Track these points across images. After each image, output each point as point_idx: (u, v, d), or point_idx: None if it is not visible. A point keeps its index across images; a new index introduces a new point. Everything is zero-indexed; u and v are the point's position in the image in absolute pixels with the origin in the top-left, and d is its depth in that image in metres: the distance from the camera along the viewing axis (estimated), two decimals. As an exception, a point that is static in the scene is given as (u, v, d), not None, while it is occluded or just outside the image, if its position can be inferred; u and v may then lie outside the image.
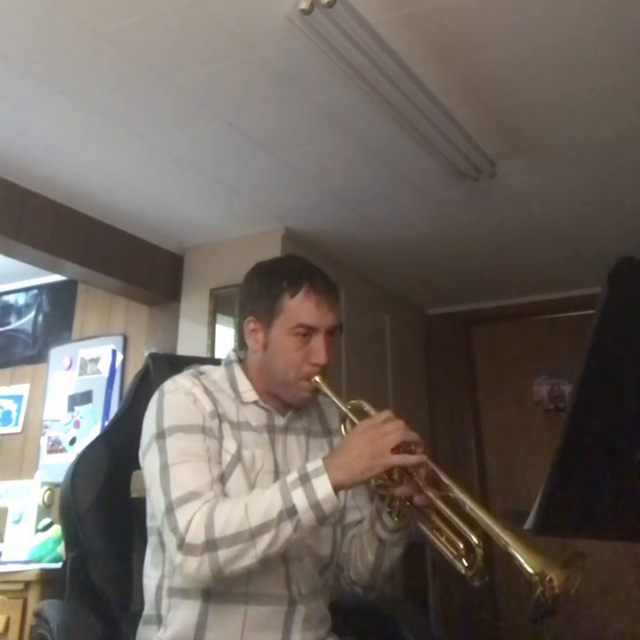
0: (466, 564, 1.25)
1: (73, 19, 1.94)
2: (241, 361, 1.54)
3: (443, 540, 1.31)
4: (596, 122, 2.45)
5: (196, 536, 1.23)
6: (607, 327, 0.76)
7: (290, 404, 1.50)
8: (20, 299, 4.04)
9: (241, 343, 1.54)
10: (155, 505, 1.34)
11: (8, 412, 3.82)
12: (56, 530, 2.78)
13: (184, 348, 3.31)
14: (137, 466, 1.46)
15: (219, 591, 1.34)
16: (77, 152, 2.63)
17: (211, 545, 1.22)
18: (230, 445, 1.39)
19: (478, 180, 2.75)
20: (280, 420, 1.49)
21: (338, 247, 3.48)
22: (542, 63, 2.13)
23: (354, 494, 1.56)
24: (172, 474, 1.31)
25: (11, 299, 4.07)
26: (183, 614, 1.34)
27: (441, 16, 1.94)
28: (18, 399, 3.84)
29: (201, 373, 1.48)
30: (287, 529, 1.23)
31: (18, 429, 3.78)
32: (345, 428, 1.45)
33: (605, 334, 0.76)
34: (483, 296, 4.22)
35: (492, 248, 3.55)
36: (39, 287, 3.97)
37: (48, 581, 2.49)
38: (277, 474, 1.42)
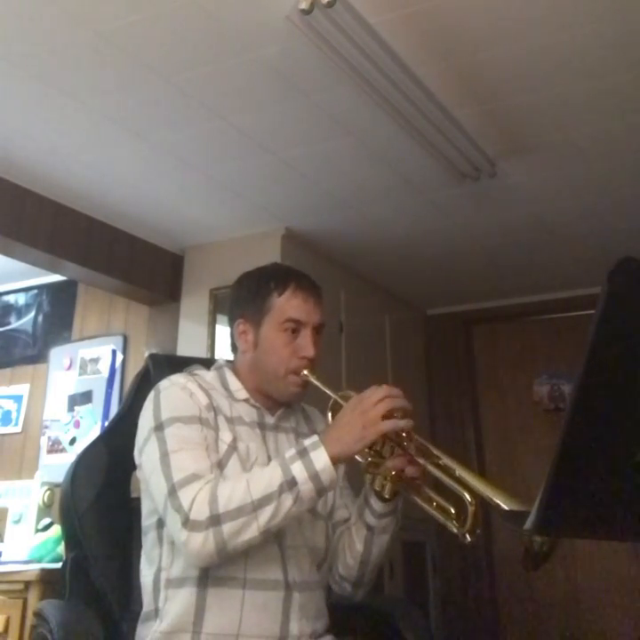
0: (457, 525, 1.33)
1: (73, 19, 1.94)
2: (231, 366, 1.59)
3: (434, 506, 1.38)
4: (595, 122, 2.45)
5: (201, 512, 1.26)
6: (607, 327, 0.75)
7: (280, 403, 1.55)
8: (20, 299, 4.04)
9: (232, 347, 1.59)
10: (156, 492, 1.36)
11: (8, 412, 3.82)
12: (56, 530, 2.78)
13: (184, 349, 3.31)
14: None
15: (216, 577, 1.36)
16: (77, 152, 2.63)
17: (215, 520, 1.26)
18: (226, 436, 1.44)
19: (478, 180, 2.75)
20: (270, 419, 1.54)
21: (338, 247, 3.48)
22: (542, 63, 2.13)
23: (341, 494, 1.60)
24: (172, 460, 1.34)
25: (11, 299, 4.07)
26: (181, 602, 1.36)
27: (441, 16, 1.94)
28: (18, 399, 3.84)
29: (194, 374, 1.53)
30: (288, 501, 1.27)
31: (18, 429, 3.78)
32: (333, 417, 1.50)
33: (605, 334, 0.76)
34: (483, 296, 4.22)
35: (492, 248, 3.55)
36: (39, 287, 3.97)
37: (48, 581, 2.49)
38: None
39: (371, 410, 1.32)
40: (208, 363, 1.65)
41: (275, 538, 1.38)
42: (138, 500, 1.53)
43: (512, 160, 2.69)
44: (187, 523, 1.26)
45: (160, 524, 1.41)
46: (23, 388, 3.85)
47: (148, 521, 1.47)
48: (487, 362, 4.30)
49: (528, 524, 0.81)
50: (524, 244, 3.49)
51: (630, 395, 0.80)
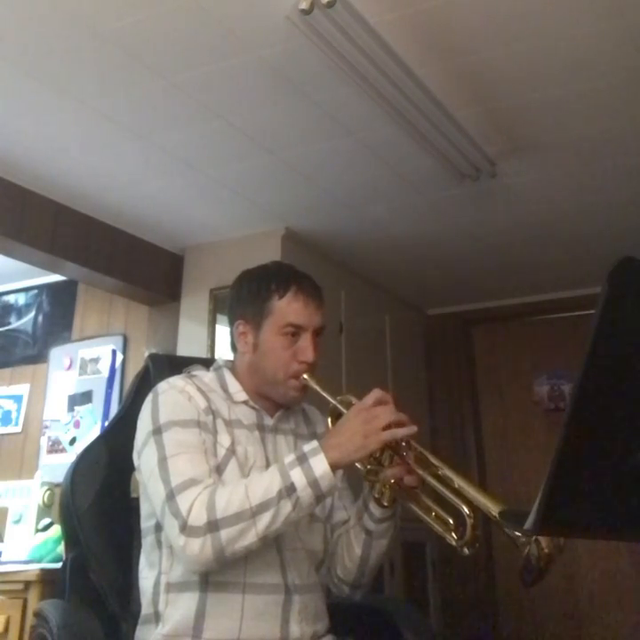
0: (456, 537, 1.32)
1: (73, 19, 1.94)
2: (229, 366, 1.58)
3: (432, 516, 1.37)
4: (595, 122, 2.45)
5: (199, 518, 1.26)
6: (607, 327, 0.75)
7: (279, 405, 1.55)
8: (20, 299, 4.04)
9: (232, 346, 1.58)
10: (153, 496, 1.35)
11: (8, 412, 3.82)
12: (56, 530, 2.78)
13: (184, 349, 3.31)
14: (137, 466, 1.46)
15: (216, 581, 1.36)
16: (77, 152, 2.63)
17: (213, 525, 1.25)
18: (224, 440, 1.43)
19: (478, 180, 2.75)
20: (269, 421, 1.54)
21: (338, 247, 3.48)
22: (542, 63, 2.13)
23: (340, 495, 1.60)
24: (170, 464, 1.33)
25: (11, 299, 4.07)
26: (181, 607, 1.36)
27: (441, 16, 1.94)
28: (18, 399, 3.84)
29: (192, 376, 1.52)
30: (287, 507, 1.26)
31: (18, 429, 3.78)
32: (332, 421, 1.50)
33: (605, 334, 0.76)
34: (483, 296, 4.22)
35: (492, 248, 3.55)
36: (39, 287, 3.97)
37: (48, 581, 2.49)
38: None
39: (373, 420, 1.31)
40: (208, 363, 1.65)
41: (273, 542, 1.38)
42: (138, 500, 1.53)
43: (512, 160, 2.69)
44: (184, 528, 1.26)
45: (158, 527, 1.41)
46: (23, 388, 3.85)
47: (146, 523, 1.46)
48: (487, 362, 4.30)
49: (528, 524, 0.81)
50: (524, 243, 3.49)
51: (630, 395, 0.80)
